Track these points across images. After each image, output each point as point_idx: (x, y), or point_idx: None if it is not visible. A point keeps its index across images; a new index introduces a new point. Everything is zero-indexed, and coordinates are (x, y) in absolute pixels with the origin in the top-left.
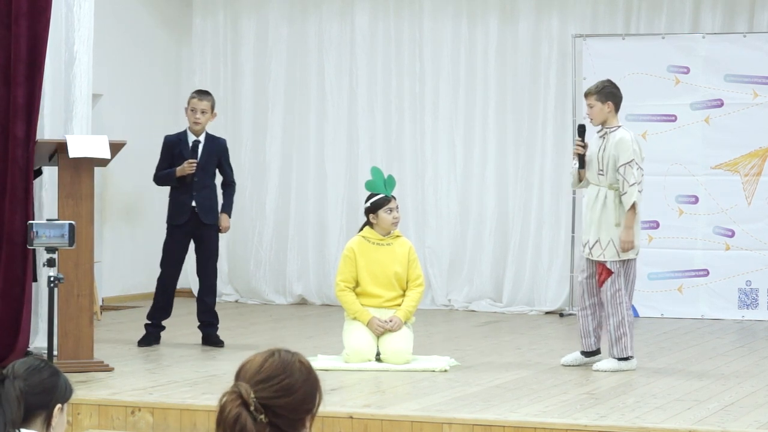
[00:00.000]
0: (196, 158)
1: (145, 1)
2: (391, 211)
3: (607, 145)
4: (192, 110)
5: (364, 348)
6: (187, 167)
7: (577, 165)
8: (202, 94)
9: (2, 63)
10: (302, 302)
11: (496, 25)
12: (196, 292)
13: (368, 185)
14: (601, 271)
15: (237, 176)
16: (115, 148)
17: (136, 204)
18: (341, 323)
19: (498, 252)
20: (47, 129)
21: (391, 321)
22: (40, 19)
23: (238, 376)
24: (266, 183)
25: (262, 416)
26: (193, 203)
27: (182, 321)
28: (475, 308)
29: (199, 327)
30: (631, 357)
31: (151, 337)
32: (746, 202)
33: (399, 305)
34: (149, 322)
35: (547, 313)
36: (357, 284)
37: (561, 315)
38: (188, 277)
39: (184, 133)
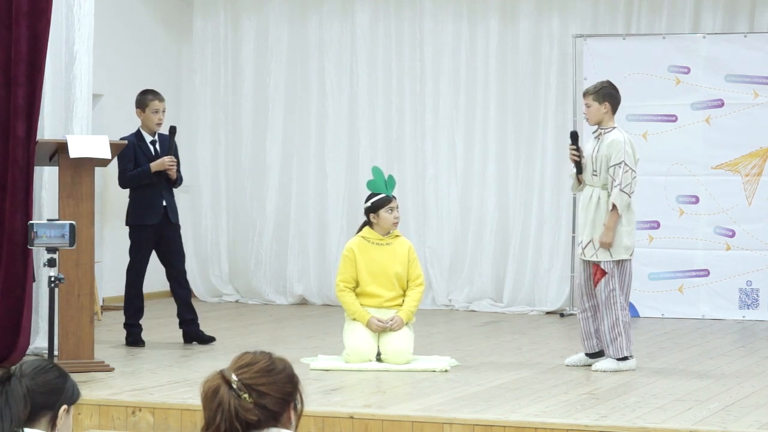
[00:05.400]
0: (158, 156)
1: (145, 1)
2: (392, 210)
3: (601, 146)
4: (155, 112)
5: (364, 348)
6: (168, 162)
7: (575, 171)
8: (158, 94)
9: (3, 63)
10: (303, 302)
11: (497, 25)
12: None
13: (370, 185)
14: (595, 272)
15: (237, 176)
16: (116, 148)
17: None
18: (342, 323)
19: (498, 252)
20: (48, 129)
21: (392, 320)
22: (41, 19)
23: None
24: (266, 183)
25: (246, 395)
26: (164, 203)
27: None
28: (476, 308)
29: (180, 326)
30: (630, 357)
31: (139, 338)
32: (747, 202)
33: (399, 305)
34: (131, 323)
35: (547, 313)
36: (357, 284)
37: (562, 315)
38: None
39: (139, 133)
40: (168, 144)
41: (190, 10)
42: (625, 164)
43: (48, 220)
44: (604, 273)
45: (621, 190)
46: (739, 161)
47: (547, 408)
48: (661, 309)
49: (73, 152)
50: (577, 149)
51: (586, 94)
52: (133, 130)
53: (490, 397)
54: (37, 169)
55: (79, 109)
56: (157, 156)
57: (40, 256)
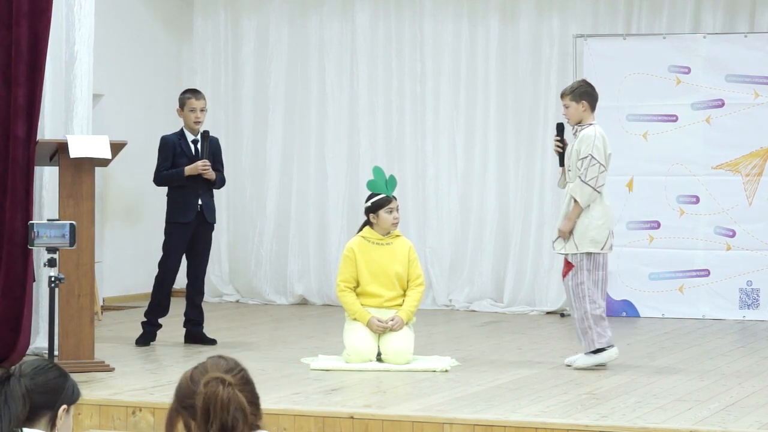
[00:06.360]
0: (201, 157)
1: (145, 1)
2: (391, 211)
3: (575, 142)
4: (192, 110)
5: (364, 348)
6: (201, 167)
7: (559, 162)
8: (197, 92)
9: (3, 63)
10: (303, 302)
11: (497, 25)
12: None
13: (370, 185)
14: (565, 264)
15: (237, 176)
16: (116, 148)
17: (137, 204)
18: (342, 323)
19: (499, 252)
20: (48, 129)
21: (392, 320)
22: (41, 19)
23: (192, 380)
24: (267, 183)
25: None
26: (200, 202)
27: (183, 321)
28: (476, 308)
29: (185, 325)
30: (604, 348)
31: (149, 335)
32: (747, 202)
33: (399, 305)
34: (146, 320)
35: (548, 313)
36: (357, 284)
37: (562, 315)
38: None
39: (182, 132)
40: (202, 147)
41: (190, 10)
42: (592, 157)
43: (48, 220)
44: (571, 266)
45: (583, 181)
46: (740, 161)
47: (547, 408)
48: (662, 309)
49: (74, 152)
50: (562, 140)
51: (563, 95)
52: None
53: (490, 397)
54: (37, 169)
55: (80, 109)
56: (197, 156)
57: (40, 256)
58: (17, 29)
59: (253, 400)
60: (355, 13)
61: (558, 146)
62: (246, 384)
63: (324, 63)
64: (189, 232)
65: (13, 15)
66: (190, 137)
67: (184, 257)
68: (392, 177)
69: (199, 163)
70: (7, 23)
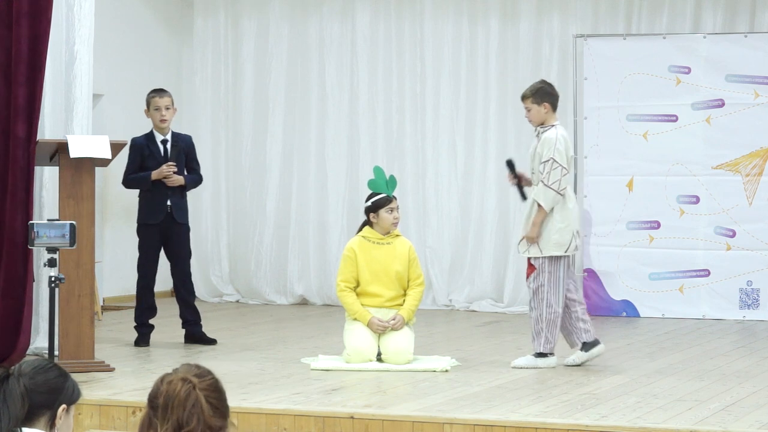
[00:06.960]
0: (167, 158)
1: (146, 1)
2: (391, 211)
3: (537, 144)
4: (156, 109)
5: (365, 348)
6: (166, 170)
7: (520, 198)
8: (161, 91)
9: (3, 63)
10: (303, 302)
11: (497, 25)
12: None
13: (371, 184)
14: (528, 266)
15: (238, 176)
16: (116, 148)
17: (137, 204)
18: (342, 323)
19: (499, 252)
20: (48, 129)
21: (393, 320)
22: (41, 19)
23: (161, 381)
24: (267, 183)
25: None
26: (169, 202)
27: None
28: (476, 308)
29: (183, 326)
30: (550, 355)
31: (146, 337)
32: (747, 202)
33: (400, 305)
34: (137, 324)
35: None
36: (357, 284)
37: None
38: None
39: (151, 134)
40: (170, 151)
41: (191, 10)
42: (554, 161)
43: (48, 220)
44: (533, 268)
45: (545, 185)
46: (740, 161)
47: (547, 408)
48: (662, 309)
49: (74, 152)
50: (516, 176)
51: (524, 98)
52: (144, 130)
53: (490, 397)
54: (37, 169)
55: (79, 109)
56: (166, 157)
57: (40, 256)
58: (17, 29)
59: (219, 406)
60: (355, 13)
61: (514, 182)
62: (214, 391)
63: (324, 63)
64: (159, 233)
65: (13, 14)
66: (158, 138)
67: (165, 259)
68: (392, 177)
69: (164, 166)
70: (7, 23)
